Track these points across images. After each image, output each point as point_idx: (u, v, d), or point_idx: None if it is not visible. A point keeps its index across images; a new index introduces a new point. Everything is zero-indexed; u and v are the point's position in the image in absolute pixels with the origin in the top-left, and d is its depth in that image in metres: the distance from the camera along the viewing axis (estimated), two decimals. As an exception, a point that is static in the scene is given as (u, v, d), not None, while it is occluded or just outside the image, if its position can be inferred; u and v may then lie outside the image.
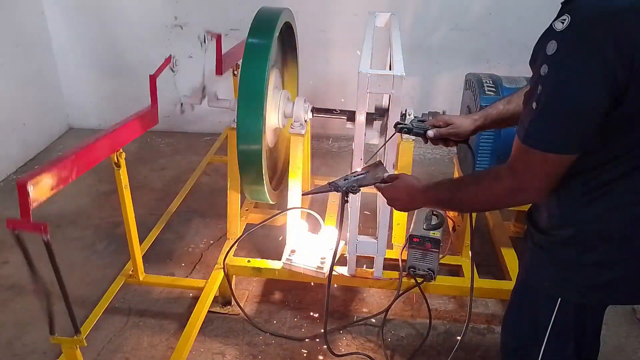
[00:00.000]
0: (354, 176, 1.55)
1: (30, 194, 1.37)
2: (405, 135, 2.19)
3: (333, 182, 1.54)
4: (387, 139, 1.74)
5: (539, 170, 1.05)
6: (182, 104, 2.29)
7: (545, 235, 1.20)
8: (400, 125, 1.61)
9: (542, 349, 1.25)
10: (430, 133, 1.55)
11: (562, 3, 1.04)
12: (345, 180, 1.54)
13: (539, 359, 1.27)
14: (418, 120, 1.63)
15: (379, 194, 1.51)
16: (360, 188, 1.54)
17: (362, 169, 1.60)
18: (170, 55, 2.15)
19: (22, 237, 1.37)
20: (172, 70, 2.17)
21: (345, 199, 1.54)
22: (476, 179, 1.21)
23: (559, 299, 1.20)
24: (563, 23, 0.95)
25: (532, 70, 1.05)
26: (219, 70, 2.46)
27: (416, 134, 1.60)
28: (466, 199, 1.24)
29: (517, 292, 1.36)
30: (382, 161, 1.72)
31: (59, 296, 1.50)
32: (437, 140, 1.58)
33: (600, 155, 1.06)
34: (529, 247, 1.25)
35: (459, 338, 2.08)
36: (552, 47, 0.96)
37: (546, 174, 1.05)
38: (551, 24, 0.99)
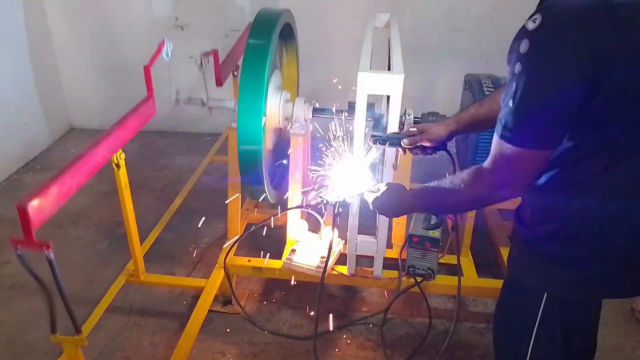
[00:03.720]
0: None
1: (31, 216, 1.38)
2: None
3: (323, 195, 1.58)
4: (366, 153, 1.78)
5: (516, 165, 1.08)
6: (177, 92, 2.28)
7: (530, 231, 1.22)
8: (375, 137, 1.66)
9: (531, 344, 1.27)
10: (405, 141, 1.59)
11: (537, 4, 1.06)
12: (333, 191, 1.57)
13: (528, 354, 1.28)
14: (394, 132, 1.69)
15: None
16: (350, 202, 1.57)
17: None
18: (163, 40, 2.13)
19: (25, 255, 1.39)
20: (167, 56, 2.14)
21: (337, 211, 1.58)
22: (458, 180, 1.23)
23: (545, 293, 1.22)
24: (535, 22, 0.98)
25: (507, 69, 1.07)
26: (219, 83, 2.50)
27: (392, 145, 1.64)
28: (451, 200, 1.27)
29: (506, 287, 1.38)
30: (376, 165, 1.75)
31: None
32: (415, 149, 1.60)
33: (581, 150, 1.08)
34: (516, 242, 1.28)
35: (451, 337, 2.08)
36: (524, 46, 0.99)
37: (524, 170, 1.08)
38: (524, 24, 1.01)
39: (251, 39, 2.05)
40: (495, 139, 1.09)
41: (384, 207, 1.50)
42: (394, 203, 1.47)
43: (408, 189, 1.54)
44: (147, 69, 2.01)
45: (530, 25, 0.99)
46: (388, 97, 1.85)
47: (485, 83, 2.26)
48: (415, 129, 1.60)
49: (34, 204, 1.40)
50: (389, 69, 2.06)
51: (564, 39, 0.95)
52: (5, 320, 2.29)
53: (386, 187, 1.51)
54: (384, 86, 1.75)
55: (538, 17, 0.98)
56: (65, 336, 1.60)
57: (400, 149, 1.65)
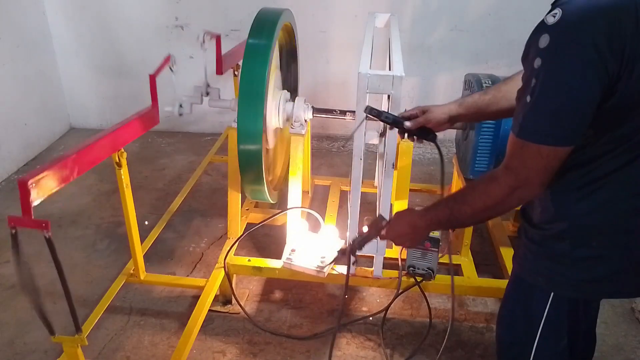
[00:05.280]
0: (360, 238, 1.53)
1: (31, 192, 1.38)
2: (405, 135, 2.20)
3: (342, 249, 1.60)
4: (356, 127, 1.73)
5: (534, 164, 1.06)
6: (180, 105, 2.30)
7: (539, 230, 1.21)
8: (371, 108, 1.56)
9: (536, 344, 1.26)
10: (408, 124, 1.54)
11: (552, 3, 1.06)
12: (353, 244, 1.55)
13: (532, 354, 1.28)
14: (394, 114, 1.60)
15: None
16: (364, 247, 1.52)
17: (366, 223, 1.57)
18: (170, 55, 2.15)
19: (20, 237, 1.38)
20: (171, 70, 2.16)
21: (354, 258, 1.57)
22: (471, 186, 1.22)
23: (552, 293, 1.21)
24: (555, 17, 0.97)
25: (523, 66, 1.06)
26: (219, 70, 2.48)
27: (388, 122, 1.55)
28: (465, 209, 1.22)
29: (511, 286, 1.37)
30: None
31: (61, 294, 1.51)
32: (414, 132, 1.56)
33: (594, 149, 1.08)
34: (523, 242, 1.27)
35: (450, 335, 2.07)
36: (544, 41, 0.98)
37: (542, 168, 1.06)
38: (543, 18, 1.00)
39: (251, 38, 2.05)
40: (512, 136, 1.07)
41: (400, 235, 1.42)
42: (407, 227, 1.38)
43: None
44: (152, 78, 2.01)
45: (550, 20, 0.98)
46: (389, 96, 1.85)
47: (485, 83, 2.26)
48: (415, 111, 1.57)
49: (35, 180, 1.40)
50: (389, 69, 2.06)
51: (585, 34, 0.95)
52: (5, 320, 2.29)
53: (395, 216, 1.45)
54: (384, 86, 1.75)
55: (558, 11, 0.97)
56: (65, 336, 1.60)
57: (398, 133, 1.57)
